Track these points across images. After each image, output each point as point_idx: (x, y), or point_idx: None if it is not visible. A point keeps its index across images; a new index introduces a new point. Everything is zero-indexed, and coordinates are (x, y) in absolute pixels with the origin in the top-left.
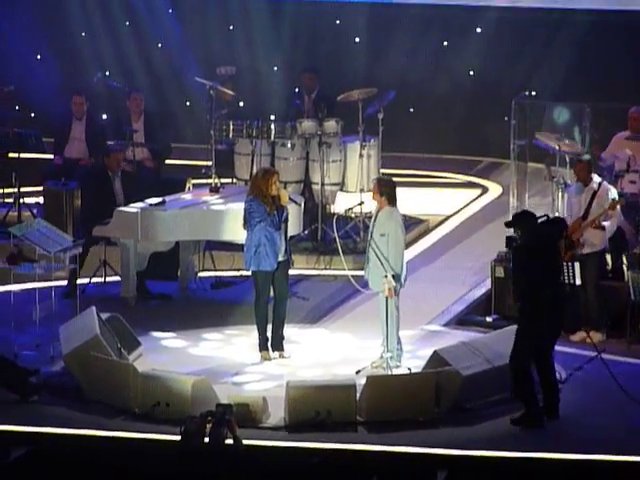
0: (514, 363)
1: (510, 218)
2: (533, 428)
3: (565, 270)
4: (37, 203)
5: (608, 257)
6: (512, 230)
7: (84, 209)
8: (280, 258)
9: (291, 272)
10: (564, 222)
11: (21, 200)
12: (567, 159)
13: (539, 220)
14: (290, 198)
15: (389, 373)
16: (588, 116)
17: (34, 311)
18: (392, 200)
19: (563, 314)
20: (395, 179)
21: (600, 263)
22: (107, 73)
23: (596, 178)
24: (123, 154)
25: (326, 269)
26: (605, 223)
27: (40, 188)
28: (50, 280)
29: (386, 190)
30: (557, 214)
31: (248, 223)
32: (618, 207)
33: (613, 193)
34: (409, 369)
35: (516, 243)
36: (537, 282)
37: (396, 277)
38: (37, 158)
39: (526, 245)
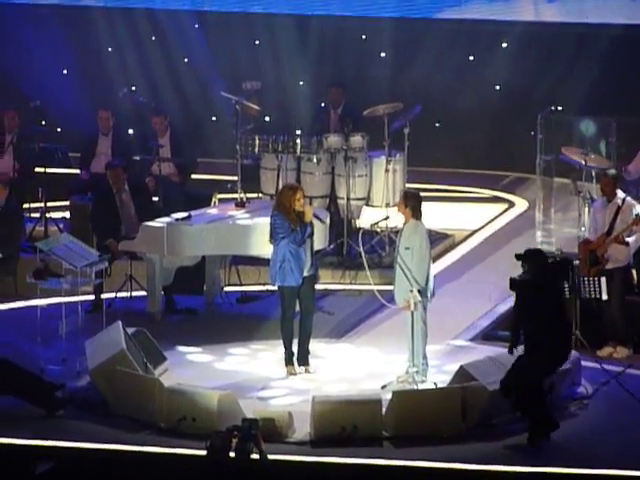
0: (529, 378)
1: (523, 250)
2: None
3: (591, 285)
4: (63, 218)
5: (633, 272)
6: (520, 263)
7: (92, 225)
8: (305, 273)
9: (317, 287)
10: (570, 263)
11: (47, 215)
12: (593, 174)
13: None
14: (315, 215)
15: (415, 388)
16: (614, 130)
17: (60, 326)
18: (417, 213)
19: (568, 346)
20: (421, 194)
21: (625, 278)
22: (133, 88)
23: (620, 194)
24: (122, 169)
25: (351, 284)
26: (629, 239)
27: (66, 203)
28: (76, 295)
29: (411, 203)
30: (583, 229)
31: (273, 238)
32: None
33: (637, 209)
34: (435, 384)
35: (520, 278)
36: (542, 318)
37: (422, 291)
38: (63, 173)
39: (532, 281)
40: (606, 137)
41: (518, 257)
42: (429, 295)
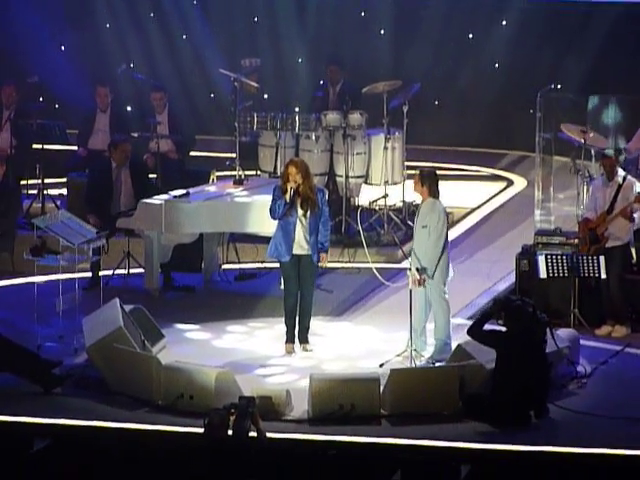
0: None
1: (500, 300)
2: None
3: (590, 263)
4: (61, 195)
5: (632, 251)
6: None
7: (85, 199)
8: (300, 252)
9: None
10: (548, 324)
11: (45, 192)
12: (592, 152)
13: (526, 308)
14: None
15: (413, 366)
16: (614, 108)
17: (57, 303)
18: (434, 191)
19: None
20: (437, 172)
21: (624, 256)
22: (131, 65)
23: (621, 172)
24: (129, 145)
25: (350, 262)
26: (635, 215)
27: (64, 180)
28: (74, 272)
29: (427, 181)
30: (582, 208)
31: None
32: None
33: (638, 187)
34: (433, 362)
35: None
36: (514, 362)
37: (424, 270)
38: (61, 150)
39: (508, 332)
40: (607, 115)
41: (496, 309)
42: (450, 274)
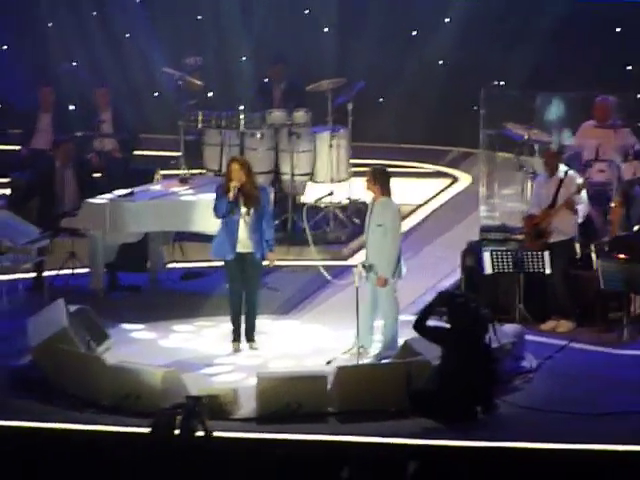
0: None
1: (443, 293)
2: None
3: (535, 259)
4: (3, 195)
5: (577, 246)
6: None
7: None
8: (243, 250)
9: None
10: (490, 319)
11: None
12: (536, 148)
13: (469, 304)
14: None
15: (360, 363)
16: (558, 104)
17: (1, 303)
18: (387, 190)
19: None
20: (365, 169)
21: (569, 251)
22: (74, 63)
23: (562, 167)
24: (72, 145)
25: (297, 260)
26: (577, 207)
27: (6, 180)
28: (17, 272)
29: (380, 179)
30: (526, 203)
31: None
32: (584, 194)
33: (579, 181)
34: (380, 359)
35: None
36: (458, 355)
37: (370, 267)
38: (2, 150)
39: (457, 333)
40: (551, 111)
41: (440, 301)
42: (403, 272)
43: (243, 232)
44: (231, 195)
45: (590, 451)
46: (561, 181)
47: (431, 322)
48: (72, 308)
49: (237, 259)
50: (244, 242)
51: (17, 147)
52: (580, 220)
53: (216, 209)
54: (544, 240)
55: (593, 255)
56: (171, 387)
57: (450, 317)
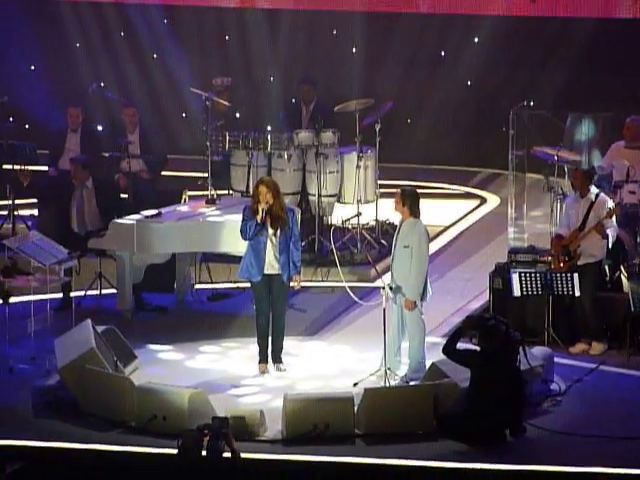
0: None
1: (473, 318)
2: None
3: (564, 281)
4: (32, 215)
5: (606, 268)
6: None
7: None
8: (272, 271)
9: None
10: (520, 342)
11: (15, 212)
12: (565, 169)
13: (499, 326)
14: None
15: (387, 385)
16: (588, 125)
17: (29, 324)
18: (415, 211)
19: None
20: (393, 190)
21: (597, 273)
22: (102, 84)
23: (593, 189)
24: (81, 165)
25: (324, 281)
26: (607, 231)
27: (35, 200)
28: (45, 293)
29: (409, 201)
30: (555, 225)
31: None
32: (613, 218)
33: (610, 204)
34: (407, 381)
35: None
36: (490, 380)
37: (398, 289)
38: (31, 170)
39: (487, 356)
40: (581, 131)
41: (470, 324)
42: (429, 294)
43: (270, 254)
44: (259, 218)
45: (619, 475)
46: (592, 203)
47: (460, 344)
48: (100, 328)
49: (264, 281)
50: (271, 264)
51: (45, 168)
52: (610, 244)
53: (243, 232)
54: (573, 262)
55: (623, 277)
56: (198, 408)
57: (480, 340)
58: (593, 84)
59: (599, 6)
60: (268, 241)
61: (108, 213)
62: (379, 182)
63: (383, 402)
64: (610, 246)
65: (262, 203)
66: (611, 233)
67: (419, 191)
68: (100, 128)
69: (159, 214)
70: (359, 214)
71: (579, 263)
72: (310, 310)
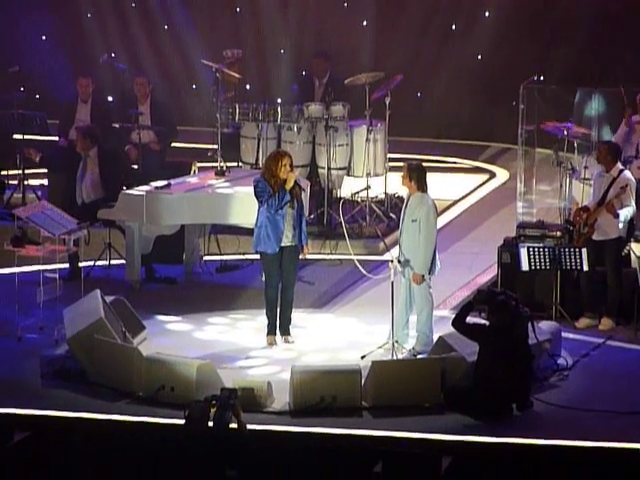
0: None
1: (482, 293)
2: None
3: (572, 256)
4: (41, 185)
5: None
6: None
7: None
8: (287, 243)
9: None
10: (530, 318)
11: (25, 182)
12: (575, 144)
13: (509, 301)
14: (295, 182)
15: (395, 358)
16: (598, 100)
17: (38, 294)
18: (422, 185)
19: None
20: (402, 164)
21: (618, 249)
22: (113, 54)
23: (619, 165)
24: (83, 135)
25: (332, 254)
26: (620, 211)
27: (44, 170)
28: (54, 263)
29: (416, 175)
30: (564, 202)
31: (258, 202)
32: (632, 199)
33: (629, 182)
34: (415, 354)
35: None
36: (499, 355)
37: (407, 262)
38: (42, 140)
39: (496, 330)
40: (591, 107)
41: (480, 299)
42: (437, 268)
43: (289, 225)
44: (296, 190)
45: (625, 449)
46: (614, 179)
47: (469, 318)
48: (108, 299)
49: (278, 253)
50: (287, 235)
51: (55, 138)
52: (622, 225)
53: (271, 205)
54: (587, 235)
55: (632, 253)
56: (206, 379)
57: (490, 314)
58: (603, 58)
59: None
60: (287, 213)
61: (114, 184)
62: (389, 155)
63: (390, 375)
64: (621, 226)
65: (290, 175)
66: (623, 213)
67: (428, 165)
68: (110, 99)
69: (169, 185)
70: (368, 187)
71: (595, 239)
72: (318, 283)
